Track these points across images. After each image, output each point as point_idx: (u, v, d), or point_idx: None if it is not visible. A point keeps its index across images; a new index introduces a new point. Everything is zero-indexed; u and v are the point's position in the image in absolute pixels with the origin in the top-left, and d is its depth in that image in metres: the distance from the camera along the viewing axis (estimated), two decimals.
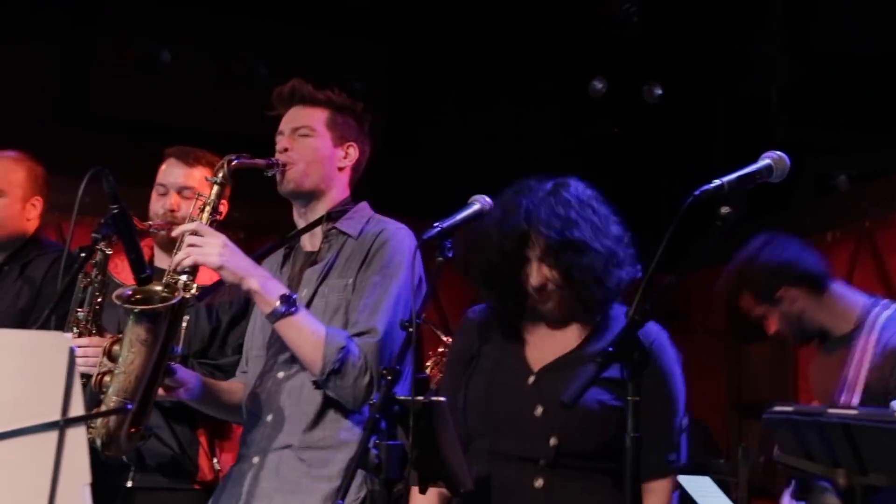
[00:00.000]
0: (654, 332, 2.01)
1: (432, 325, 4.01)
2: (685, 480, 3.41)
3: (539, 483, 1.93)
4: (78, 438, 1.49)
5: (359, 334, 2.18)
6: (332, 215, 2.33)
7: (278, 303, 2.11)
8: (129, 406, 1.98)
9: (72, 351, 1.49)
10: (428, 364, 3.84)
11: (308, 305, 2.23)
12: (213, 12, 5.16)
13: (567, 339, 2.05)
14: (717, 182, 1.70)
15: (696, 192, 1.69)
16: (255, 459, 2.21)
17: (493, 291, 2.07)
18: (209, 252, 2.09)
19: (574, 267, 1.97)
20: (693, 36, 5.16)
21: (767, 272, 2.69)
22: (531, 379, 2.00)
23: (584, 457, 1.94)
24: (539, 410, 1.95)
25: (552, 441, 1.93)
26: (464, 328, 2.18)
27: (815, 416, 1.67)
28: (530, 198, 2.01)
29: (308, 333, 2.13)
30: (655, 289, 1.72)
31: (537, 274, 2.00)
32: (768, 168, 1.76)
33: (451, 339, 3.97)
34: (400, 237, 2.28)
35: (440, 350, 3.93)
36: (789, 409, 1.85)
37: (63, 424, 1.47)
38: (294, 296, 2.15)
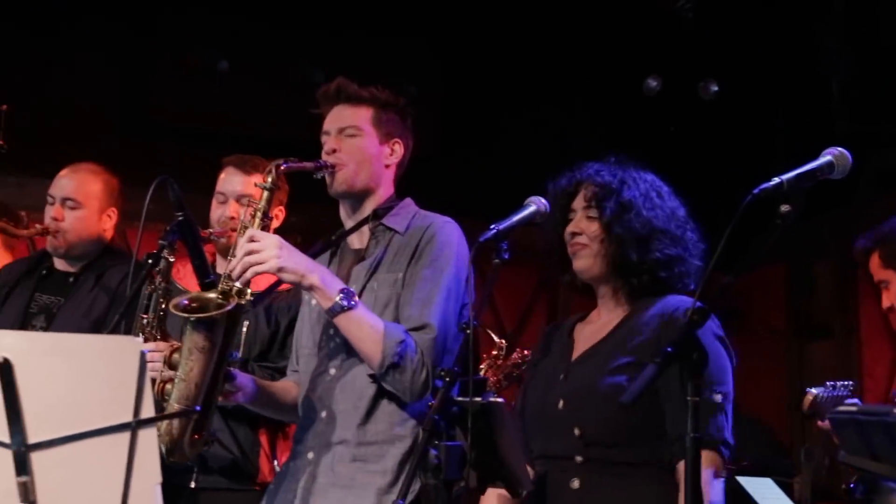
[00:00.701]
0: (676, 302, 1.99)
1: (487, 328, 4.02)
2: (747, 482, 3.37)
3: (575, 484, 1.93)
4: (149, 439, 1.54)
5: (413, 329, 2.20)
6: (379, 212, 2.34)
7: (338, 297, 2.13)
8: (198, 408, 2.02)
9: (143, 354, 1.54)
10: (482, 367, 3.85)
11: None
12: (268, 21, 5.25)
13: (600, 328, 2.05)
14: (776, 180, 1.69)
15: (755, 191, 1.68)
16: (310, 455, 2.25)
17: (554, 259, 2.10)
18: (267, 257, 2.11)
19: (616, 220, 1.99)
20: (750, 30, 5.08)
21: None
22: (562, 375, 2.02)
23: (611, 445, 1.92)
24: (561, 403, 1.97)
25: (576, 431, 1.93)
26: (539, 341, 2.21)
27: (881, 416, 1.65)
28: (593, 162, 2.08)
29: (367, 327, 2.16)
30: (713, 288, 1.71)
31: (575, 223, 2.04)
32: (829, 165, 1.73)
33: (504, 342, 3.98)
34: (448, 230, 2.29)
35: (494, 353, 3.94)
36: (854, 408, 1.82)
37: (135, 425, 1.53)
38: (352, 290, 2.17)
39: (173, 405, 2.06)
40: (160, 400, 2.13)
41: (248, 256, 2.11)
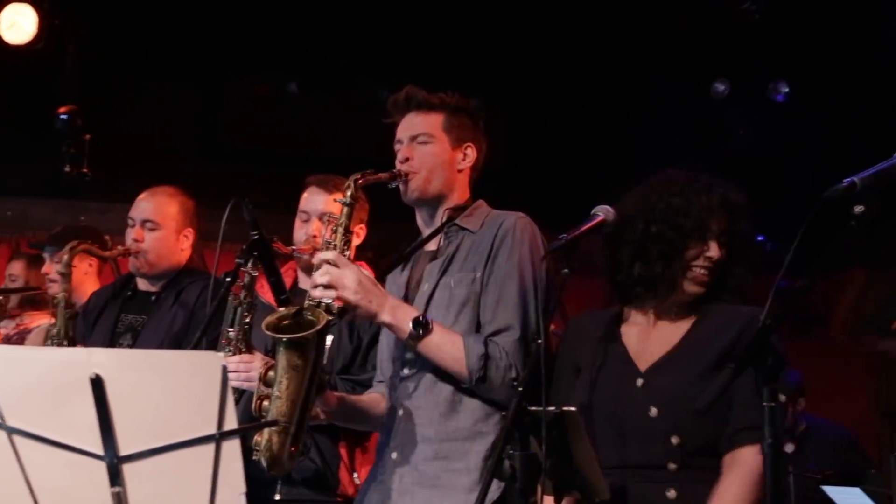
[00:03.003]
0: (749, 311, 1.98)
1: (562, 338, 4.00)
2: (833, 492, 3.27)
3: (672, 494, 1.91)
4: (233, 450, 1.60)
5: (497, 332, 2.21)
6: (452, 215, 2.37)
7: (412, 328, 2.17)
8: (276, 420, 2.07)
9: (224, 368, 1.60)
10: None
11: (430, 298, 2.28)
12: (333, 42, 5.36)
13: (666, 335, 2.05)
14: (848, 180, 1.66)
15: (827, 193, 1.65)
16: (394, 455, 2.28)
17: (653, 264, 2.06)
18: (346, 287, 2.15)
19: (740, 248, 2.05)
20: (820, 28, 4.98)
21: None
22: (639, 381, 2.00)
23: (709, 453, 1.92)
24: (653, 411, 1.95)
25: (674, 440, 1.92)
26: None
27: None
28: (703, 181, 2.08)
29: (448, 348, 2.19)
30: (787, 292, 1.69)
31: (716, 249, 2.03)
32: None
33: None
34: (521, 226, 2.30)
35: None
36: None
37: (219, 437, 1.58)
38: (427, 317, 2.20)
39: None
40: (258, 416, 2.20)
41: (327, 289, 2.14)
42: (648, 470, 1.94)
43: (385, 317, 2.19)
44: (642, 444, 1.95)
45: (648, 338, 2.06)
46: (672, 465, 1.93)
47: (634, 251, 2.05)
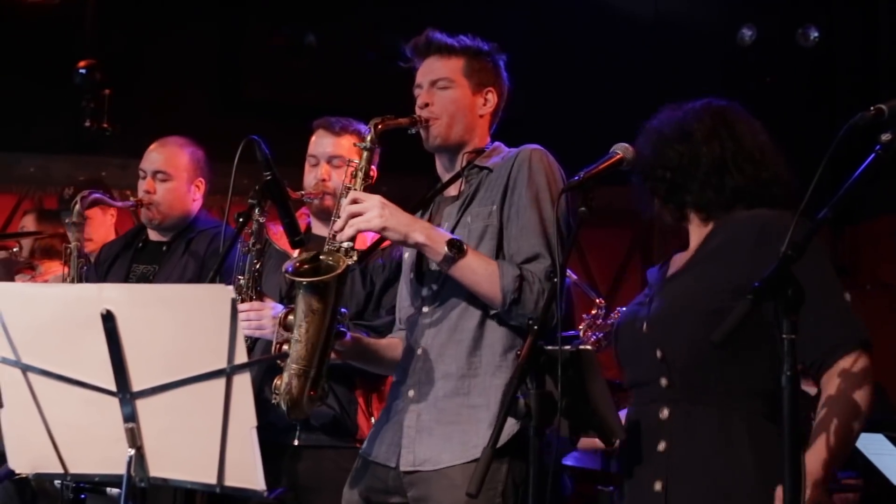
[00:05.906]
0: (768, 215, 1.89)
1: (584, 287, 3.96)
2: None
3: (664, 414, 1.88)
4: (243, 384, 1.60)
5: (527, 260, 2.20)
6: (471, 157, 2.34)
7: (446, 249, 2.15)
8: (281, 354, 2.07)
9: (233, 301, 1.59)
10: (581, 327, 3.81)
11: None
12: None
13: (688, 253, 2.00)
14: (875, 107, 1.60)
15: (852, 120, 1.59)
16: (411, 393, 2.26)
17: None
18: (370, 217, 2.13)
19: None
20: None
21: None
22: (648, 300, 1.99)
23: (696, 370, 1.85)
24: (644, 327, 1.93)
25: (658, 353, 1.88)
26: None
27: None
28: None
29: (482, 271, 2.17)
30: (809, 223, 1.64)
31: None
32: None
33: (604, 301, 3.92)
34: (537, 157, 2.27)
35: (593, 312, 3.88)
36: None
37: (229, 371, 1.58)
38: (460, 238, 2.18)
39: (291, 365, 2.11)
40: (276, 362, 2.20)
41: (351, 218, 2.14)
42: (648, 387, 1.92)
43: (418, 237, 2.15)
44: (638, 364, 1.95)
45: (680, 259, 2.04)
46: (663, 381, 1.89)
47: None
